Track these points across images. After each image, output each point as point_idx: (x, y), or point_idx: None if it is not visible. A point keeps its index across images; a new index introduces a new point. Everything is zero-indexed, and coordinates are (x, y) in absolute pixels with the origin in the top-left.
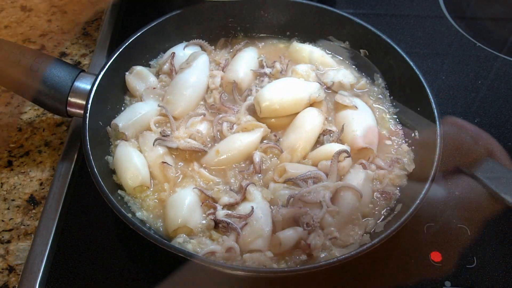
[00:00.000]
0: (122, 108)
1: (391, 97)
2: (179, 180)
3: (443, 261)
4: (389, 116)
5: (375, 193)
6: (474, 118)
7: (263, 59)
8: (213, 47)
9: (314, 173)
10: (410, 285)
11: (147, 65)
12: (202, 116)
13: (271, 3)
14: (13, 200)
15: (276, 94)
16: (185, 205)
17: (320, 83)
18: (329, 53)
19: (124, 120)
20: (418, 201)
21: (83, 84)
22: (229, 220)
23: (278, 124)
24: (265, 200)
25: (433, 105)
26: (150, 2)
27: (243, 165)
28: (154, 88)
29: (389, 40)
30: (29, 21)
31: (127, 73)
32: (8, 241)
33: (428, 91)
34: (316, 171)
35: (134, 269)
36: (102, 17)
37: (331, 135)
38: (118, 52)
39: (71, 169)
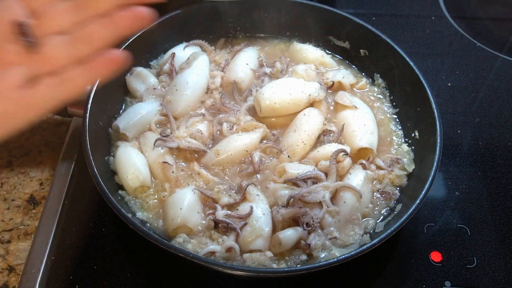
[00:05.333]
0: (122, 109)
1: (391, 97)
2: (181, 180)
3: (443, 261)
4: (389, 116)
5: (375, 193)
6: (474, 118)
7: (263, 59)
8: (213, 47)
9: (314, 173)
10: (410, 285)
11: (148, 65)
12: (202, 116)
13: (271, 3)
14: (13, 200)
15: (277, 93)
16: (184, 204)
17: (320, 83)
18: (329, 53)
19: (125, 121)
20: (418, 201)
21: None
22: (228, 220)
23: (278, 124)
24: (265, 200)
25: (433, 105)
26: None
27: (243, 165)
28: (154, 89)
29: (389, 40)
30: None
31: (127, 74)
32: (8, 241)
33: (428, 91)
34: (316, 171)
35: (134, 269)
36: None
37: (331, 135)
38: None
39: (71, 169)
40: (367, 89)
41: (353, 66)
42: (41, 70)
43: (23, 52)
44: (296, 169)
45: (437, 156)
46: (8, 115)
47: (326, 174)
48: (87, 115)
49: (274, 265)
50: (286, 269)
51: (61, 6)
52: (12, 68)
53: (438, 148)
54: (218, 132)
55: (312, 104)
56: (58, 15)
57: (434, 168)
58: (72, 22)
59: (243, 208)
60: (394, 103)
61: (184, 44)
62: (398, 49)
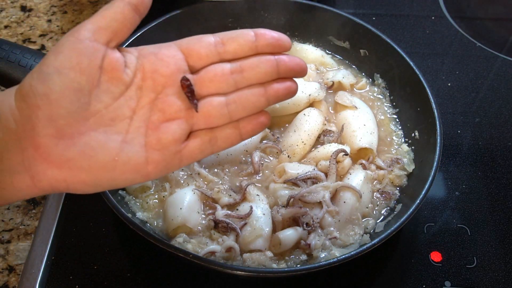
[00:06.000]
0: None
1: (391, 97)
2: (181, 180)
3: (443, 261)
4: (389, 116)
5: (375, 193)
6: (474, 118)
7: None
8: None
9: (314, 174)
10: (410, 285)
11: None
12: None
13: (271, 3)
14: None
15: None
16: (184, 204)
17: (320, 83)
18: (329, 53)
19: None
20: (418, 201)
21: None
22: (228, 220)
23: (278, 123)
24: (265, 200)
25: (433, 105)
26: None
27: (243, 165)
28: None
29: (389, 40)
30: (29, 21)
31: None
32: (8, 241)
33: (428, 91)
34: (316, 171)
35: (134, 269)
36: None
37: (331, 135)
38: None
39: None
40: (367, 89)
41: (353, 66)
42: (197, 126)
43: (186, 108)
44: (296, 169)
45: (437, 156)
46: (163, 164)
47: (326, 174)
48: None
49: (274, 265)
50: (286, 269)
51: (221, 69)
52: (176, 122)
53: (438, 148)
54: None
55: (312, 104)
56: (218, 77)
57: (434, 168)
58: (230, 86)
59: (243, 208)
60: (394, 103)
61: None
62: (398, 49)
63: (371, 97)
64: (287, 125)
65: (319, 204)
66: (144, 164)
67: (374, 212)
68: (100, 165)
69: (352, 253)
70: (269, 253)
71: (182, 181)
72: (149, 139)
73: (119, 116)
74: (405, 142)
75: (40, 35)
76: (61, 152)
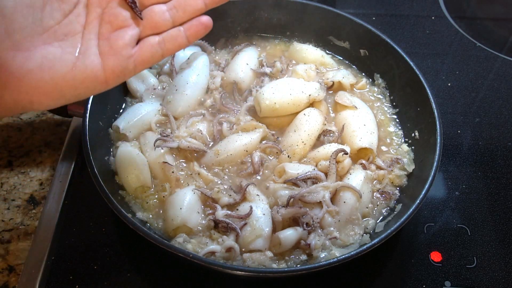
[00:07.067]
0: (122, 109)
1: (391, 97)
2: (181, 180)
3: (443, 261)
4: (389, 116)
5: (375, 193)
6: (474, 118)
7: (263, 59)
8: (213, 47)
9: (314, 174)
10: (410, 285)
11: None
12: (202, 115)
13: (271, 3)
14: (13, 200)
15: (276, 93)
16: (184, 204)
17: (320, 83)
18: (329, 53)
19: (125, 121)
20: (418, 201)
21: None
22: (228, 220)
23: (278, 124)
24: (265, 200)
25: (433, 105)
26: None
27: (243, 165)
28: (154, 89)
29: (389, 40)
30: None
31: None
32: (8, 241)
33: (428, 91)
34: (316, 171)
35: (134, 269)
36: None
37: (331, 135)
38: None
39: (71, 169)
40: (367, 89)
41: (353, 66)
42: (145, 33)
43: (131, 17)
44: (296, 169)
45: (437, 156)
46: (119, 69)
47: (326, 174)
48: (87, 115)
49: (274, 265)
50: (286, 269)
51: None
52: (124, 30)
53: (438, 148)
54: (218, 132)
55: (312, 104)
56: None
57: (434, 168)
58: None
59: (243, 208)
60: (394, 103)
61: None
62: (398, 49)
63: (371, 97)
64: (287, 123)
65: (319, 204)
66: (101, 71)
67: (374, 212)
68: (59, 75)
69: (352, 253)
70: (269, 253)
71: (182, 181)
72: (102, 48)
73: (71, 31)
74: (405, 142)
75: None
76: (20, 64)
